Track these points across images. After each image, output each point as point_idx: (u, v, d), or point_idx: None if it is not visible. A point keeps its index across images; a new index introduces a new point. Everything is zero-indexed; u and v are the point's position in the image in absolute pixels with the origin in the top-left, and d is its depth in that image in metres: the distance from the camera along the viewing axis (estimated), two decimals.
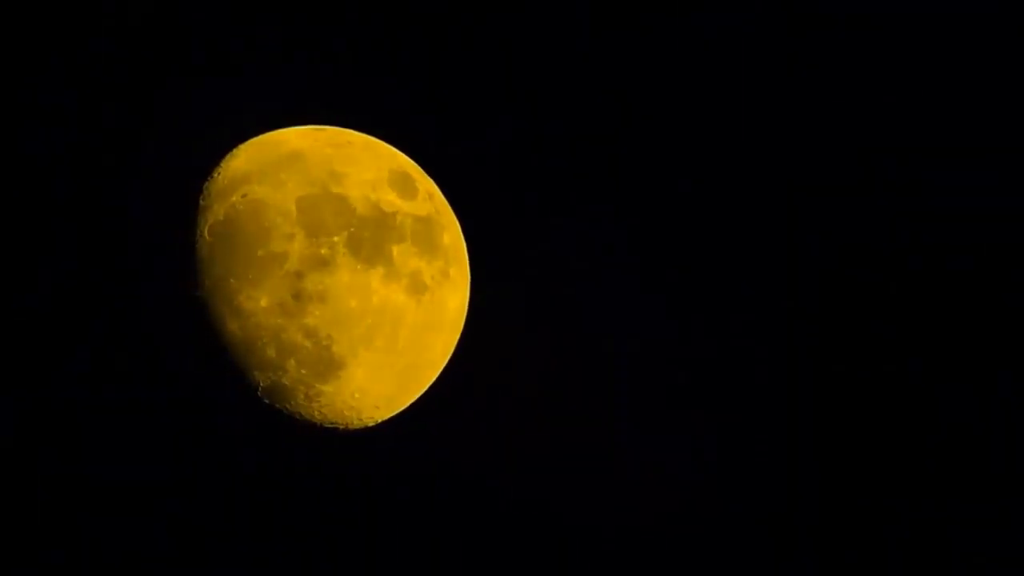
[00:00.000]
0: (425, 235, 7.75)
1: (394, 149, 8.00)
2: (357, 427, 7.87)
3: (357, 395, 7.66)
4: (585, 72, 8.30)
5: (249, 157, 7.81)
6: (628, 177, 8.31)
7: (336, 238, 7.50)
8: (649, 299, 8.35)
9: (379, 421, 7.90)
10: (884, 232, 8.59)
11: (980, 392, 8.53)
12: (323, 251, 7.48)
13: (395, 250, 7.60)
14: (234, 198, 7.59)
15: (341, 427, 7.84)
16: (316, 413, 7.71)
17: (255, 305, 7.46)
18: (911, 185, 8.61)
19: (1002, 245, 8.55)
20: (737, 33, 8.44)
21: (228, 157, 7.87)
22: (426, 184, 7.97)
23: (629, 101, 8.38)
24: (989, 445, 8.53)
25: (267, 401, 7.64)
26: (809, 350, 8.59)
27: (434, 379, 7.97)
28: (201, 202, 7.68)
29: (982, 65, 8.58)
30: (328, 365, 7.55)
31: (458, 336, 8.00)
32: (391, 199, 7.70)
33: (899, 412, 8.58)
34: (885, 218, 8.60)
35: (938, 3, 8.50)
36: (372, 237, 7.55)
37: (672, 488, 8.44)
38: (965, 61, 8.59)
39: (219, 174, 7.79)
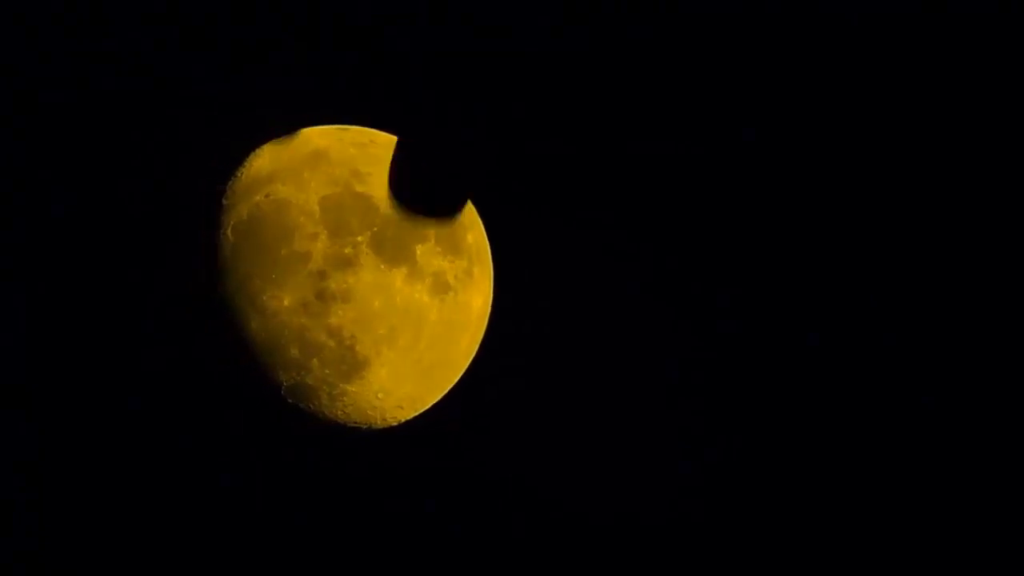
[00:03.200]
0: (448, 235, 7.75)
1: None
2: (380, 427, 7.87)
3: (380, 395, 7.66)
4: (609, 71, 8.30)
5: (272, 156, 7.81)
6: (652, 176, 8.30)
7: (360, 238, 7.50)
8: (674, 298, 8.35)
9: (402, 421, 7.90)
10: (883, 232, 8.59)
11: (979, 392, 8.53)
12: (347, 251, 7.48)
13: (419, 250, 7.60)
14: (257, 197, 7.59)
15: (364, 427, 7.84)
16: (339, 413, 7.71)
17: (278, 304, 7.47)
18: (910, 184, 8.60)
19: (1002, 244, 8.54)
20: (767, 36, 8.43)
21: (251, 156, 7.88)
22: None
23: (653, 100, 8.37)
24: (989, 445, 8.53)
25: (290, 400, 7.65)
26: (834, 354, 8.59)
27: (457, 379, 7.96)
28: (224, 201, 7.69)
29: (983, 65, 8.57)
30: (351, 365, 7.55)
31: (482, 336, 8.00)
32: None
33: (898, 412, 8.58)
34: (885, 217, 8.60)
35: (939, 3, 8.49)
36: (395, 237, 7.55)
37: (705, 489, 8.43)
38: (966, 60, 8.58)
39: (242, 173, 7.79)
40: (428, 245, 7.64)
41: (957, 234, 8.62)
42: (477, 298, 7.91)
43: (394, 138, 7.92)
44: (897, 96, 8.62)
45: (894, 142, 8.63)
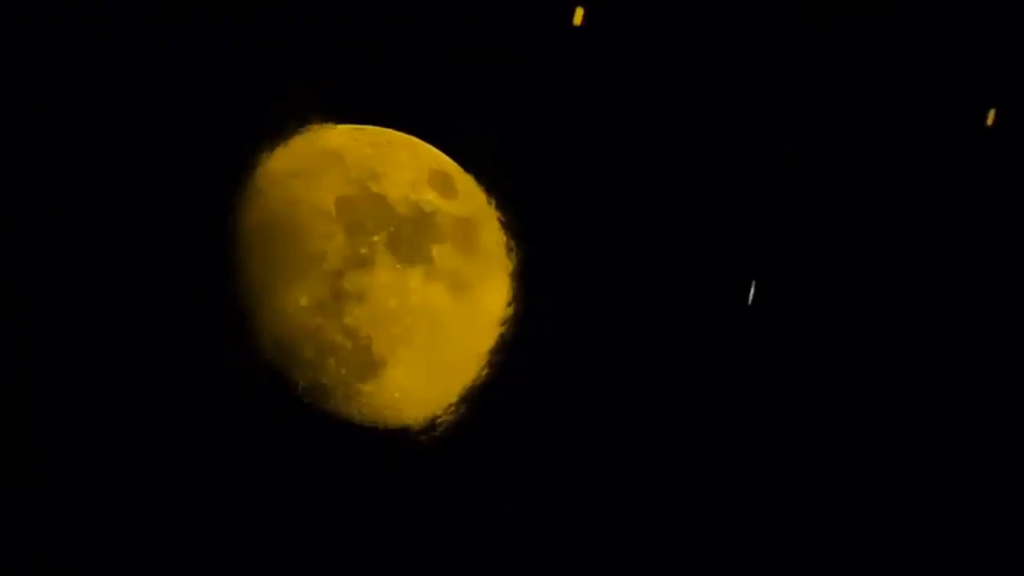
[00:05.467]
0: (465, 235, 7.77)
1: (434, 148, 8.01)
2: (396, 427, 7.87)
3: (396, 395, 7.67)
4: (627, 69, 8.34)
5: (287, 156, 7.81)
6: (673, 173, 8.34)
7: (376, 238, 7.52)
8: (695, 296, 8.38)
9: (418, 421, 7.90)
10: (883, 232, 8.66)
11: (980, 392, 8.61)
12: (362, 250, 7.51)
13: (435, 250, 7.63)
14: (272, 197, 7.60)
15: (380, 427, 7.85)
16: (355, 412, 7.72)
17: (294, 305, 7.48)
18: (911, 184, 8.68)
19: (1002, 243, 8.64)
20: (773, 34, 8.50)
21: (265, 156, 7.86)
22: (467, 183, 7.98)
23: (672, 97, 8.42)
24: (989, 445, 8.61)
25: (306, 401, 7.65)
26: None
27: (474, 379, 7.97)
28: (238, 201, 7.68)
29: (982, 64, 8.67)
30: (368, 365, 7.56)
31: (498, 336, 8.01)
32: (431, 199, 7.73)
33: (899, 412, 8.65)
34: (885, 217, 8.68)
35: (940, 3, 8.58)
36: (412, 237, 7.57)
37: (707, 490, 8.46)
38: (966, 59, 8.68)
39: (257, 173, 7.78)
40: (445, 245, 7.67)
41: (957, 234, 8.73)
42: (494, 298, 7.93)
43: (410, 138, 7.94)
44: (897, 96, 8.72)
45: (894, 142, 8.74)
